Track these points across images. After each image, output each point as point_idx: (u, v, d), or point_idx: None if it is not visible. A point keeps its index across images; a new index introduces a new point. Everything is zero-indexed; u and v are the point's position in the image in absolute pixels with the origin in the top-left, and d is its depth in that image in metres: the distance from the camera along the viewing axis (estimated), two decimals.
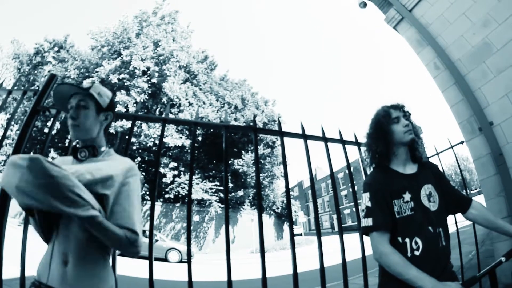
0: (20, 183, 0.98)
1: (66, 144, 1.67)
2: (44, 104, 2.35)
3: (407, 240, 1.48)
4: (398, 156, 1.68)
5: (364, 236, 1.63)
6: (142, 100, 24.23)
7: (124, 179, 1.32)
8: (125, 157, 1.50)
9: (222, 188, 26.02)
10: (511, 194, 3.35)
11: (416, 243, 1.47)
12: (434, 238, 1.47)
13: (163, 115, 2.30)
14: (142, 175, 24.16)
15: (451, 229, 1.72)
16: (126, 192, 1.30)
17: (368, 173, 1.78)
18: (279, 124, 2.58)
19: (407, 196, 1.54)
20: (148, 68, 25.29)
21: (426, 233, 1.47)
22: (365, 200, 1.60)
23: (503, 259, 1.42)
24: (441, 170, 1.79)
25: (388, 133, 1.67)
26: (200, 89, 30.23)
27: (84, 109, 1.40)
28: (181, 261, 15.11)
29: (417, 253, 1.46)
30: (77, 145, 1.41)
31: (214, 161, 29.42)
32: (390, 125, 1.68)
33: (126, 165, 1.37)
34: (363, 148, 1.87)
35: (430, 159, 3.89)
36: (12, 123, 21.86)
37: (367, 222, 1.54)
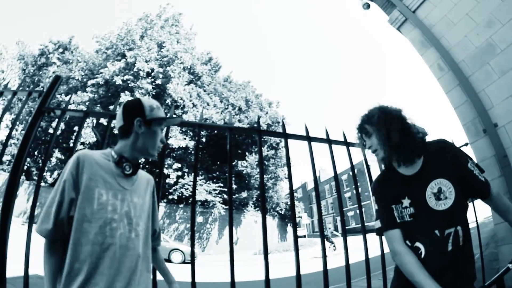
0: None
1: (71, 145, 1.71)
2: (49, 105, 2.37)
3: (408, 244, 1.45)
4: (396, 161, 1.56)
5: (367, 238, 1.64)
6: None
7: (153, 195, 1.63)
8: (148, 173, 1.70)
9: (225, 189, 26.04)
10: None
11: (417, 249, 1.42)
12: (439, 242, 1.39)
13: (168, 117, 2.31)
14: None
15: None
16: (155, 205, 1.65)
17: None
18: (283, 126, 2.58)
19: (406, 202, 1.48)
20: (152, 70, 25.37)
21: (431, 237, 1.40)
22: (374, 203, 1.64)
23: (510, 265, 1.38)
24: (456, 148, 1.59)
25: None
26: (204, 91, 30.29)
27: None
28: (184, 262, 15.11)
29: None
30: (124, 159, 1.44)
31: (218, 163, 29.43)
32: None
33: (150, 182, 1.63)
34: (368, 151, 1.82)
35: None
36: (17, 123, 22.00)
37: (378, 224, 1.58)
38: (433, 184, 1.45)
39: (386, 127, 1.48)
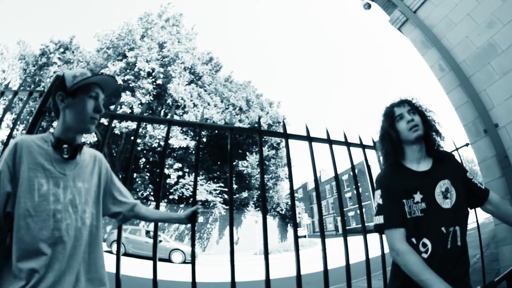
0: None
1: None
2: (50, 105, 2.37)
3: (414, 240, 1.42)
4: (411, 153, 1.60)
5: (367, 238, 1.62)
6: (147, 101, 24.25)
7: (105, 173, 1.51)
8: (95, 150, 1.53)
9: (226, 189, 26.04)
10: None
11: (424, 245, 1.40)
12: (443, 240, 1.40)
13: (168, 117, 2.31)
14: (147, 175, 24.27)
15: None
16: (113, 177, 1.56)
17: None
18: (284, 126, 2.58)
19: (417, 197, 1.47)
20: (153, 70, 25.34)
21: (437, 234, 1.40)
22: (376, 197, 1.56)
23: None
24: (459, 159, 1.67)
25: (393, 133, 1.61)
26: (205, 91, 30.28)
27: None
28: (184, 262, 15.13)
29: (425, 255, 1.39)
30: (62, 141, 1.29)
31: (219, 163, 29.44)
32: (395, 124, 1.63)
33: (98, 159, 1.48)
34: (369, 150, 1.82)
35: None
36: (18, 123, 22.02)
37: (378, 219, 1.51)
38: (441, 183, 1.49)
39: (432, 116, 1.67)
